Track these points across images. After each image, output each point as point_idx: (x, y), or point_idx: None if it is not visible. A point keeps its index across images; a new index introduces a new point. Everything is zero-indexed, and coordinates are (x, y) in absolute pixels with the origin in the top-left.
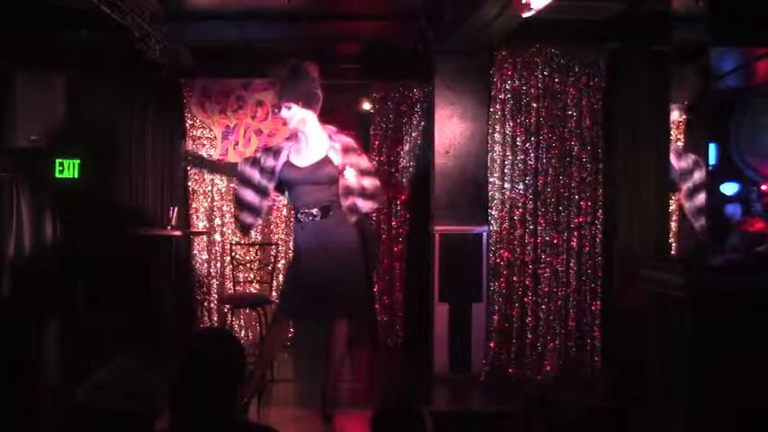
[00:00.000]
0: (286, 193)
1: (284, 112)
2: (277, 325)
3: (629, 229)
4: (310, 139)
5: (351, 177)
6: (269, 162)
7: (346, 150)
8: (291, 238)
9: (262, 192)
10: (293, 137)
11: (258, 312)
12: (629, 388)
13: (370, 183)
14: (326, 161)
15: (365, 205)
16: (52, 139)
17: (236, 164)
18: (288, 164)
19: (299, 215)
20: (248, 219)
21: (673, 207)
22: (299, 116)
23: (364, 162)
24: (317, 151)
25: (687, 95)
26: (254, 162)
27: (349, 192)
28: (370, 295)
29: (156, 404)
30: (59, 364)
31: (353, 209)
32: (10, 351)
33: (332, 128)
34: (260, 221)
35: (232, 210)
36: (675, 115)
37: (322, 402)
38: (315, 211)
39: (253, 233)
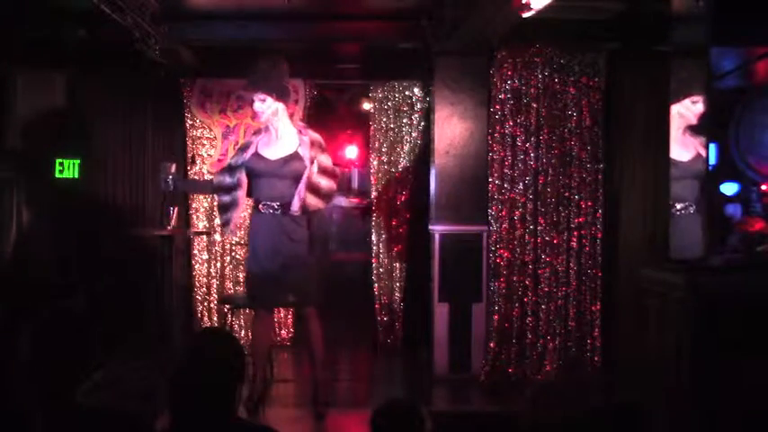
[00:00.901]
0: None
1: (257, 105)
2: (257, 319)
3: (629, 230)
4: (280, 133)
5: (312, 173)
6: (239, 160)
7: (313, 144)
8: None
9: (234, 187)
10: (263, 130)
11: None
12: (629, 388)
13: (326, 183)
14: (296, 156)
15: (313, 202)
16: (52, 139)
17: (212, 180)
18: (256, 155)
19: (259, 206)
20: (224, 215)
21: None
22: (272, 109)
23: (327, 161)
24: (287, 146)
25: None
26: (225, 169)
27: (306, 186)
28: (321, 291)
29: (156, 404)
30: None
31: (302, 202)
32: (9, 351)
33: (302, 123)
34: (238, 215)
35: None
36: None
37: (314, 400)
38: (276, 205)
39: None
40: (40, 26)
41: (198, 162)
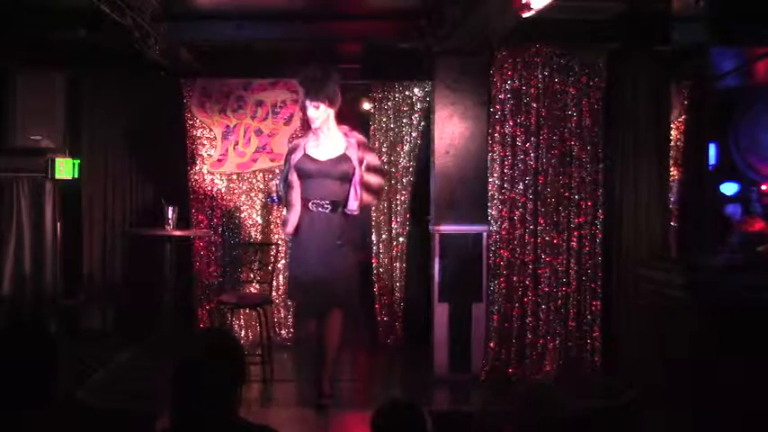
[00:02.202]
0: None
1: (312, 112)
2: (306, 324)
3: (629, 229)
4: (331, 136)
5: (363, 172)
6: (291, 159)
7: (360, 145)
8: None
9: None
10: (311, 132)
11: (258, 312)
12: (629, 388)
13: (375, 180)
14: (345, 158)
15: (366, 198)
16: (52, 139)
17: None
18: (306, 156)
19: (309, 205)
20: (284, 216)
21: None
22: (325, 115)
23: (374, 159)
24: (336, 147)
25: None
26: (281, 177)
27: (360, 184)
28: (360, 291)
29: (156, 404)
30: (59, 363)
31: (360, 200)
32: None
33: (345, 127)
34: (295, 215)
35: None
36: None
37: (318, 393)
38: (326, 203)
39: (252, 232)
40: (40, 26)
41: (198, 162)
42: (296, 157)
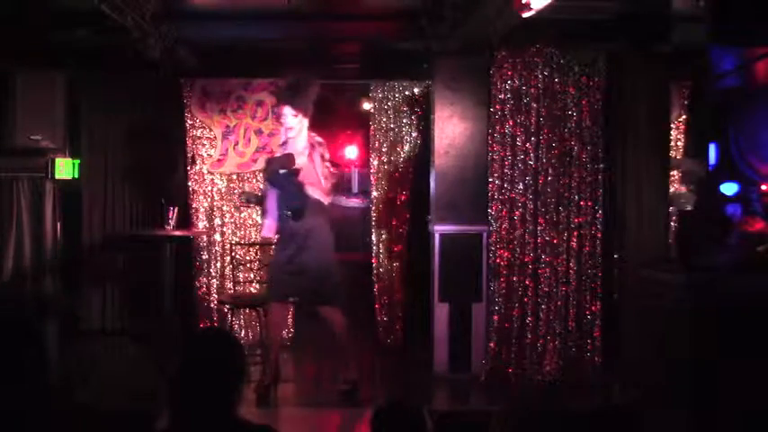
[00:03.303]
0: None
1: (291, 120)
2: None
3: (629, 229)
4: (296, 148)
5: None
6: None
7: (319, 145)
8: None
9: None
10: (284, 144)
11: (258, 312)
12: (630, 388)
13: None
14: (304, 167)
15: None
16: (52, 139)
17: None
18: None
19: (279, 215)
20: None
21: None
22: (300, 125)
23: (326, 154)
24: (299, 159)
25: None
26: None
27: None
28: (342, 284)
29: (155, 404)
30: (60, 364)
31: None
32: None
33: (313, 134)
34: (271, 222)
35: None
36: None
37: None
38: (288, 213)
39: (253, 233)
40: (40, 26)
41: (198, 162)
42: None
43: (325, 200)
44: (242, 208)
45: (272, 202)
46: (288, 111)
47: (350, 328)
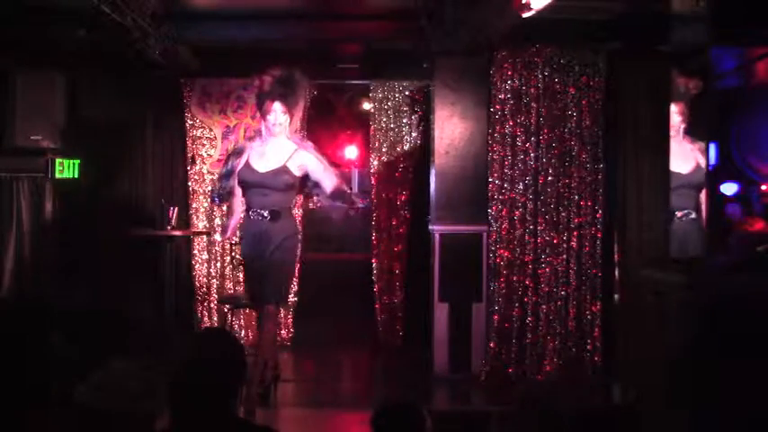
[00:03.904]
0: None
1: (281, 117)
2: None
3: (629, 229)
4: (279, 146)
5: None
6: (231, 166)
7: (303, 150)
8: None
9: (228, 196)
10: (257, 137)
11: (258, 312)
12: (630, 388)
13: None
14: (284, 170)
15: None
16: (52, 139)
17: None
18: (247, 165)
19: (249, 213)
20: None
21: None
22: (287, 123)
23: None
24: (280, 158)
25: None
26: (223, 176)
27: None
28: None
29: (155, 404)
30: (59, 364)
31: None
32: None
33: (297, 135)
34: (235, 221)
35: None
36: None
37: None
38: (265, 213)
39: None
40: (40, 26)
41: (198, 162)
42: (239, 163)
43: (344, 186)
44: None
45: (238, 201)
46: (278, 107)
47: (350, 328)
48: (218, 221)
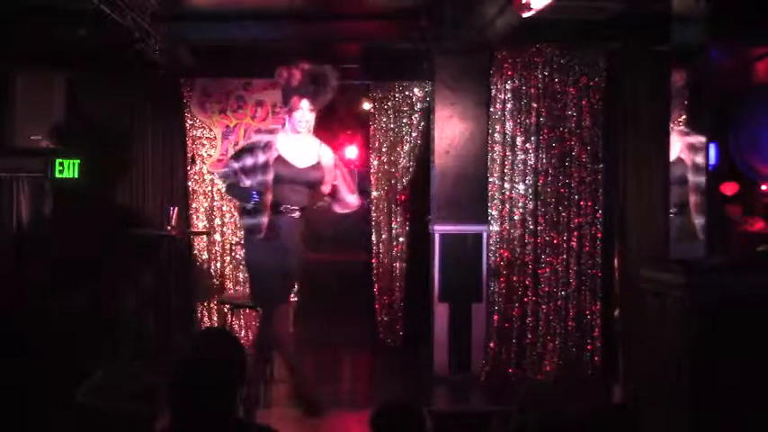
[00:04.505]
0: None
1: (309, 115)
2: (277, 313)
3: (629, 229)
4: (305, 141)
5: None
6: (261, 158)
7: (331, 156)
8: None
9: (262, 193)
10: (277, 130)
11: (258, 312)
12: (630, 388)
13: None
14: (318, 166)
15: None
16: (52, 139)
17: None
18: (281, 159)
19: (281, 208)
20: (253, 220)
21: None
22: (313, 121)
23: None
24: (312, 154)
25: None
26: (249, 171)
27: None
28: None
29: (155, 404)
30: (60, 364)
31: (353, 192)
32: (10, 351)
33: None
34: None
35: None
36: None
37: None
38: (297, 209)
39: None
40: (40, 26)
41: (198, 162)
42: (270, 157)
43: (357, 203)
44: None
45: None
46: (306, 104)
47: (350, 328)
48: (218, 221)
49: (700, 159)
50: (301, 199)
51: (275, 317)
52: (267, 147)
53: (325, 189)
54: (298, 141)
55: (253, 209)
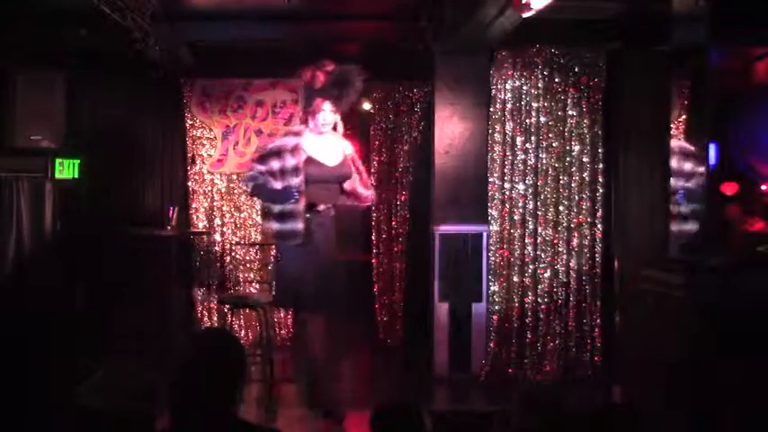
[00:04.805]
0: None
1: (331, 117)
2: (312, 322)
3: (629, 229)
4: (329, 138)
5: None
6: (290, 161)
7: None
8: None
9: (297, 196)
10: (308, 131)
11: (258, 312)
12: (630, 388)
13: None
14: (346, 161)
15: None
16: (52, 139)
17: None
18: (311, 160)
19: (317, 208)
20: (289, 224)
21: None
22: (335, 121)
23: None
24: (338, 151)
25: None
26: (267, 160)
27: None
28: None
29: (156, 404)
30: (60, 364)
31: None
32: (11, 352)
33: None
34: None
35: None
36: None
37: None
38: (331, 207)
39: (252, 232)
40: (41, 26)
41: (198, 162)
42: (299, 160)
43: (372, 197)
44: (242, 208)
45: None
46: (328, 107)
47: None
48: (218, 221)
49: (688, 166)
50: (333, 196)
51: (310, 327)
52: (295, 150)
53: (350, 185)
54: (324, 140)
55: (288, 213)
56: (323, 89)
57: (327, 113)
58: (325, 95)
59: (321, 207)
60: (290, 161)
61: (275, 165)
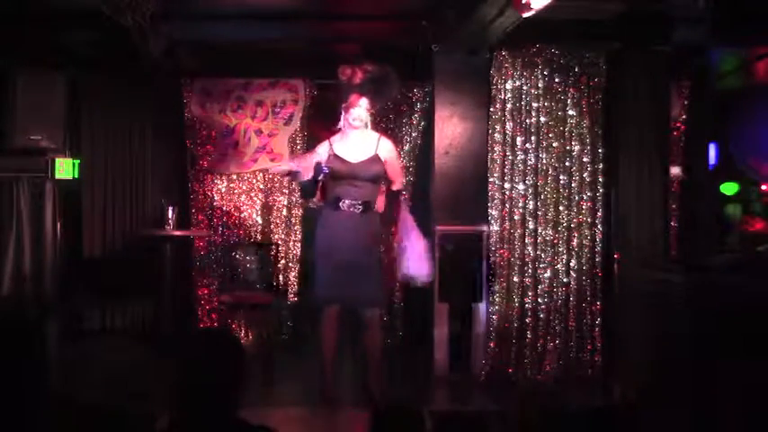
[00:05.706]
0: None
1: (364, 113)
2: (328, 317)
3: (629, 230)
4: (363, 137)
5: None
6: (316, 157)
7: (389, 150)
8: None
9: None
10: (337, 136)
11: (258, 312)
12: (629, 388)
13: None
14: (376, 159)
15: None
16: (52, 139)
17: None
18: (335, 157)
19: (341, 204)
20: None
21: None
22: (368, 118)
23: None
24: (368, 149)
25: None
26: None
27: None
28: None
29: (155, 404)
30: (60, 364)
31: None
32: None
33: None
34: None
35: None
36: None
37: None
38: (359, 204)
39: (252, 232)
40: (41, 26)
41: (198, 162)
42: (323, 157)
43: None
44: (242, 208)
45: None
46: (364, 103)
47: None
48: (218, 221)
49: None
50: (363, 193)
51: (324, 318)
52: (322, 147)
53: (395, 186)
54: (353, 137)
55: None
56: (361, 85)
57: (362, 109)
58: (362, 91)
59: (345, 203)
60: (317, 157)
61: (305, 161)
